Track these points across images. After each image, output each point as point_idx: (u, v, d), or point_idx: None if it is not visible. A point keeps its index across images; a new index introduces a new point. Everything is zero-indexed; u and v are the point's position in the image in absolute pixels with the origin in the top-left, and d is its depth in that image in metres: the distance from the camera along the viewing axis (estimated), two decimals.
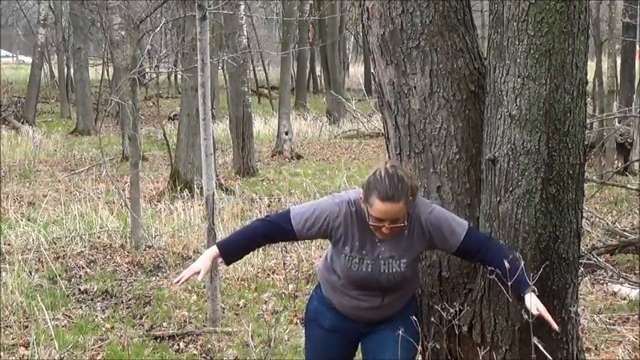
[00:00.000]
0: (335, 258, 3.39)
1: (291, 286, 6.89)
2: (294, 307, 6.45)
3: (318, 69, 33.27)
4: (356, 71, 37.36)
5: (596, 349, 5.31)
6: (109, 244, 8.63)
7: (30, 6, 34.37)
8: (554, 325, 3.12)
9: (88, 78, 22.37)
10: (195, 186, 10.93)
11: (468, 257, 3.40)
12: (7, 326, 6.02)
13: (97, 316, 6.39)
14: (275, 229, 3.36)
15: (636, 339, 5.37)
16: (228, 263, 3.52)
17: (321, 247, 7.71)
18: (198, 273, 3.27)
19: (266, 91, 28.68)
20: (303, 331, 3.79)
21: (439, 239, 3.28)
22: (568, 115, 3.27)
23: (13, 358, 5.47)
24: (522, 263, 3.16)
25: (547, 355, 3.26)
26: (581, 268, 5.47)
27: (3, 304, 6.38)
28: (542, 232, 3.32)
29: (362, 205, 3.24)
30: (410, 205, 3.20)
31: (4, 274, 7.14)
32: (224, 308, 6.45)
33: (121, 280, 7.46)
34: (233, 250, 3.41)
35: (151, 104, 25.65)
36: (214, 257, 3.37)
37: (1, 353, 5.49)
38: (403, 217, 3.19)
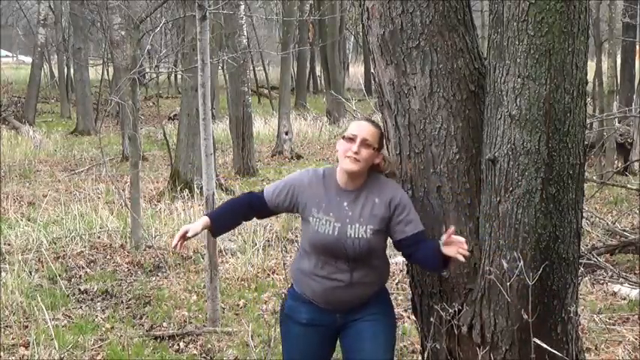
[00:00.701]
0: (304, 231, 3.47)
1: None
2: None
3: (318, 69, 33.28)
4: (356, 71, 37.36)
5: (596, 349, 5.31)
6: (109, 244, 8.63)
7: (30, 6, 34.40)
8: (461, 258, 3.14)
9: (88, 78, 22.38)
10: (195, 186, 10.94)
11: (406, 250, 3.42)
12: (7, 326, 6.03)
13: (97, 316, 6.39)
14: (255, 200, 3.54)
15: (636, 339, 5.38)
16: (215, 234, 3.64)
17: None
18: (187, 232, 3.41)
19: (266, 91, 28.68)
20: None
21: (397, 220, 3.35)
22: (568, 115, 3.27)
23: (13, 358, 5.47)
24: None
25: (553, 350, 3.26)
26: (581, 268, 5.48)
27: (3, 304, 6.38)
28: (542, 232, 3.32)
29: (337, 146, 3.40)
30: (380, 145, 3.40)
31: (4, 274, 7.14)
32: (224, 308, 6.45)
33: (121, 280, 7.46)
34: (222, 221, 3.55)
35: (151, 104, 25.66)
36: (205, 225, 3.47)
37: (1, 353, 5.50)
38: (373, 144, 3.34)
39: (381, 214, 3.35)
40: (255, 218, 3.64)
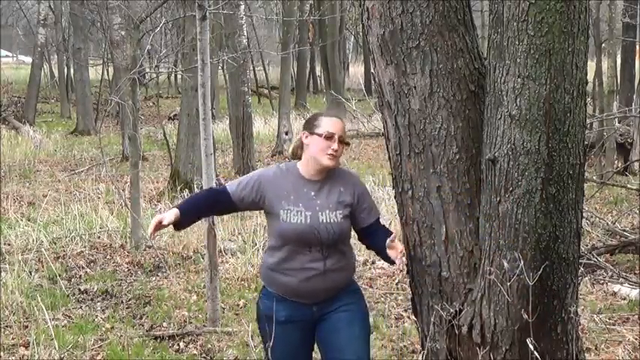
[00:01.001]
0: (272, 226, 3.55)
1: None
2: None
3: (318, 69, 33.28)
4: (356, 71, 37.35)
5: (596, 349, 5.31)
6: (109, 244, 8.64)
7: (30, 6, 34.39)
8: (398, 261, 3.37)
9: (88, 78, 22.38)
10: (195, 186, 10.94)
11: (367, 238, 3.64)
12: (7, 326, 6.03)
13: (97, 316, 6.39)
14: (221, 195, 3.60)
15: (636, 339, 5.38)
16: (179, 228, 3.65)
17: None
18: (162, 221, 3.45)
19: (266, 91, 28.67)
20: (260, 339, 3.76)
21: (361, 208, 3.57)
22: (568, 115, 3.27)
23: (13, 358, 5.47)
24: None
25: (545, 356, 3.26)
26: (581, 268, 5.47)
27: (3, 304, 6.38)
28: (542, 232, 3.32)
29: (305, 139, 3.53)
30: (346, 140, 3.58)
31: (4, 274, 7.14)
32: (224, 308, 6.45)
33: (121, 280, 7.47)
34: (189, 215, 3.59)
35: (151, 104, 25.65)
36: (176, 217, 3.50)
37: (1, 353, 5.50)
38: (345, 139, 3.54)
39: (348, 201, 3.54)
40: (215, 215, 3.68)
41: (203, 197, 3.74)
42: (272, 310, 3.51)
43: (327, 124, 3.52)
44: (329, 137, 3.49)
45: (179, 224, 3.56)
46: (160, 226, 3.45)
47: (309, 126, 3.56)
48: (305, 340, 3.63)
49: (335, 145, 3.48)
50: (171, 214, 3.49)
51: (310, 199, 3.51)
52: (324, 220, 3.48)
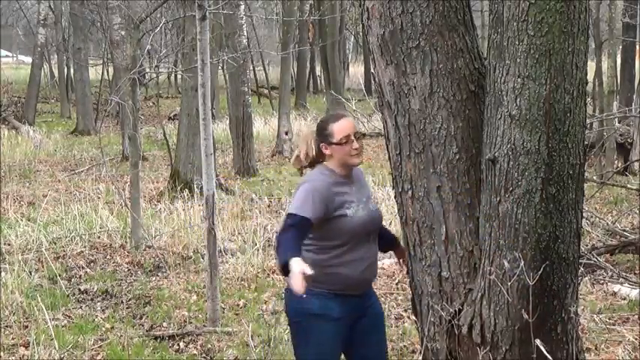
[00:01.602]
0: (337, 226, 3.58)
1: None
2: None
3: (318, 69, 33.24)
4: (356, 71, 37.34)
5: (596, 349, 5.31)
6: (109, 244, 8.63)
7: (30, 6, 34.39)
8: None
9: (88, 78, 22.37)
10: (195, 186, 10.93)
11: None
12: (7, 326, 6.03)
13: (97, 316, 6.39)
14: (303, 227, 3.49)
15: (636, 339, 5.37)
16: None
17: None
18: (304, 272, 3.24)
19: (266, 91, 28.65)
20: (294, 334, 3.75)
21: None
22: (568, 115, 3.27)
23: (13, 358, 5.47)
24: None
25: (547, 355, 3.26)
26: (581, 268, 5.47)
27: (3, 304, 6.38)
28: (542, 232, 3.32)
29: (326, 150, 3.64)
30: (359, 133, 3.72)
31: (4, 274, 7.14)
32: (224, 308, 6.45)
33: (121, 280, 7.47)
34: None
35: (151, 104, 25.64)
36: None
37: (1, 353, 5.50)
38: (358, 134, 3.67)
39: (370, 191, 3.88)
40: None
41: (296, 236, 3.49)
42: (325, 309, 3.59)
43: (339, 130, 3.61)
44: (346, 141, 3.60)
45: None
46: (307, 277, 3.26)
47: (323, 137, 3.65)
48: (348, 337, 3.72)
49: (355, 145, 3.61)
50: (303, 263, 3.28)
51: (356, 194, 3.67)
52: (373, 208, 3.73)
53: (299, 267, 3.22)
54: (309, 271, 3.23)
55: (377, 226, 3.75)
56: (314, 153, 3.73)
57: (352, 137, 3.60)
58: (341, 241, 3.61)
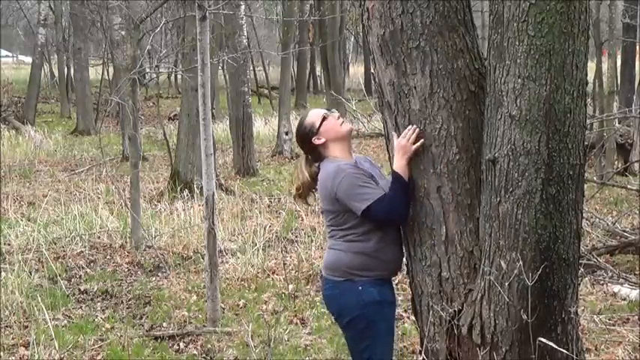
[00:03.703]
0: None
1: (291, 286, 6.90)
2: (294, 307, 6.45)
3: (318, 69, 33.25)
4: (356, 71, 37.36)
5: (596, 349, 5.31)
6: (109, 244, 8.63)
7: (30, 6, 34.40)
8: None
9: (88, 78, 22.37)
10: (195, 186, 10.93)
11: None
12: (7, 326, 6.03)
13: (97, 316, 6.39)
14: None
15: (636, 339, 5.37)
16: None
17: (321, 248, 7.72)
18: None
19: (266, 91, 28.65)
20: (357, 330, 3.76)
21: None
22: (568, 115, 3.27)
23: (13, 358, 5.47)
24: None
25: (557, 347, 3.26)
26: (581, 269, 5.48)
27: (3, 304, 6.38)
28: (542, 233, 3.32)
29: (320, 141, 3.71)
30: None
31: (4, 274, 7.14)
32: (224, 308, 6.44)
33: (121, 280, 7.47)
34: None
35: (151, 104, 25.65)
36: None
37: (1, 353, 5.50)
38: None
39: None
40: None
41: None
42: (384, 295, 3.71)
43: (313, 117, 3.76)
44: (329, 116, 3.75)
45: None
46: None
47: (307, 135, 3.75)
48: None
49: (335, 115, 3.75)
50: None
51: (371, 171, 3.75)
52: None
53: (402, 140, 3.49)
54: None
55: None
56: (309, 168, 3.79)
57: (329, 113, 3.74)
58: (370, 225, 3.65)
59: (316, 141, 3.73)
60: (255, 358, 5.16)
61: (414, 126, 3.49)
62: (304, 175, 3.79)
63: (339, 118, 3.75)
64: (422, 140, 3.48)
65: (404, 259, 3.80)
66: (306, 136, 3.74)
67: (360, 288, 3.67)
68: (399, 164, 3.52)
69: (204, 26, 6.06)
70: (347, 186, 3.57)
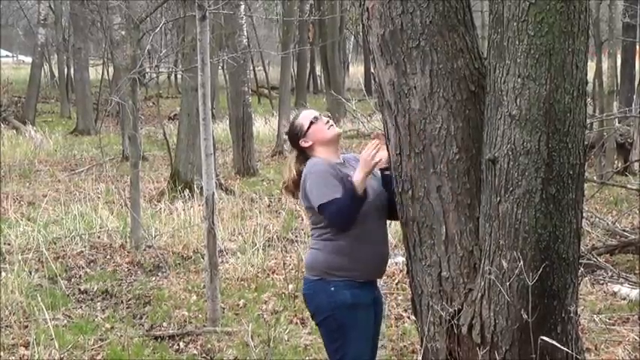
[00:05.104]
0: None
1: (291, 286, 6.89)
2: (294, 307, 6.45)
3: (318, 69, 33.24)
4: (356, 71, 37.34)
5: (596, 349, 5.31)
6: (109, 244, 8.63)
7: (30, 6, 34.38)
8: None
9: (88, 78, 22.37)
10: (195, 186, 10.93)
11: None
12: (7, 326, 6.03)
13: (97, 316, 6.39)
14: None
15: (636, 339, 5.37)
16: None
17: None
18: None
19: (266, 91, 28.65)
20: (328, 330, 3.77)
21: None
22: (568, 115, 3.27)
23: (13, 358, 5.47)
24: None
25: (559, 346, 3.26)
26: (581, 268, 5.47)
27: (3, 304, 6.38)
28: (542, 232, 3.32)
29: (306, 144, 3.77)
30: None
31: (4, 274, 7.14)
32: (224, 308, 6.44)
33: (121, 280, 7.47)
34: None
35: (151, 104, 25.63)
36: None
37: (1, 353, 5.50)
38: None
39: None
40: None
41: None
42: (358, 298, 3.67)
43: (303, 119, 3.80)
44: (316, 120, 3.77)
45: None
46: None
47: (296, 135, 3.80)
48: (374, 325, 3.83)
49: (324, 120, 3.77)
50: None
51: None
52: (375, 185, 3.71)
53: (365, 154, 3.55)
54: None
55: (383, 201, 3.74)
56: (297, 165, 3.80)
57: (318, 117, 3.77)
58: (356, 221, 3.65)
59: (303, 143, 3.78)
60: (255, 358, 5.16)
61: (377, 141, 3.57)
62: (292, 172, 3.84)
63: (327, 122, 3.77)
64: (381, 159, 3.58)
65: (388, 261, 3.81)
66: (295, 137, 3.81)
67: (333, 289, 3.68)
68: (357, 177, 3.58)
69: (204, 26, 6.06)
70: (312, 183, 3.66)
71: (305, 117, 3.80)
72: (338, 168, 3.72)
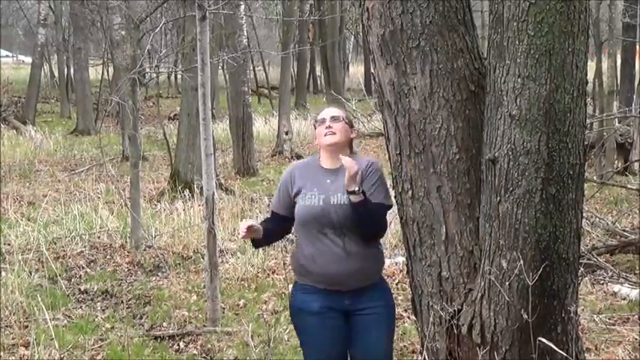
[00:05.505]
0: (295, 215, 3.70)
1: (291, 286, 6.88)
2: None
3: (318, 69, 33.26)
4: (356, 71, 37.35)
5: (596, 349, 5.31)
6: (109, 244, 8.63)
7: (30, 6, 34.39)
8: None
9: (88, 78, 22.37)
10: (195, 186, 10.93)
11: None
12: (7, 326, 6.03)
13: (97, 316, 6.39)
14: (272, 219, 3.84)
15: (636, 339, 5.37)
16: (257, 246, 3.99)
17: None
18: (252, 226, 3.62)
19: (266, 91, 28.65)
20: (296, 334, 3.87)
21: (367, 186, 3.61)
22: (568, 115, 3.27)
23: (13, 358, 5.47)
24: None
25: (555, 349, 3.26)
26: (581, 268, 5.47)
27: (3, 304, 6.38)
28: (542, 232, 3.32)
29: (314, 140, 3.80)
30: (350, 121, 3.77)
31: (4, 274, 7.14)
32: (224, 308, 6.45)
33: (121, 280, 7.47)
34: (266, 235, 3.78)
35: (151, 104, 25.63)
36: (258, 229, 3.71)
37: (1, 353, 5.50)
38: (340, 117, 3.71)
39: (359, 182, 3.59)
40: (287, 234, 3.94)
41: (267, 222, 3.86)
42: (305, 303, 3.67)
43: (320, 115, 3.77)
44: (321, 123, 3.71)
45: (258, 241, 3.81)
46: (250, 230, 3.59)
47: (314, 125, 3.83)
48: (340, 331, 3.68)
49: (327, 124, 3.68)
50: (259, 226, 3.68)
51: (325, 184, 3.65)
52: (335, 202, 3.58)
53: (252, 221, 3.65)
54: (255, 226, 3.62)
55: (336, 222, 3.57)
56: None
57: (326, 119, 3.70)
58: (299, 231, 3.71)
59: (314, 140, 3.86)
60: (255, 358, 5.16)
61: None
62: None
63: (329, 127, 3.68)
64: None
65: (357, 275, 3.60)
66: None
67: (293, 292, 3.77)
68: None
69: (204, 26, 6.06)
70: None
71: (320, 115, 3.78)
72: (305, 170, 3.75)
